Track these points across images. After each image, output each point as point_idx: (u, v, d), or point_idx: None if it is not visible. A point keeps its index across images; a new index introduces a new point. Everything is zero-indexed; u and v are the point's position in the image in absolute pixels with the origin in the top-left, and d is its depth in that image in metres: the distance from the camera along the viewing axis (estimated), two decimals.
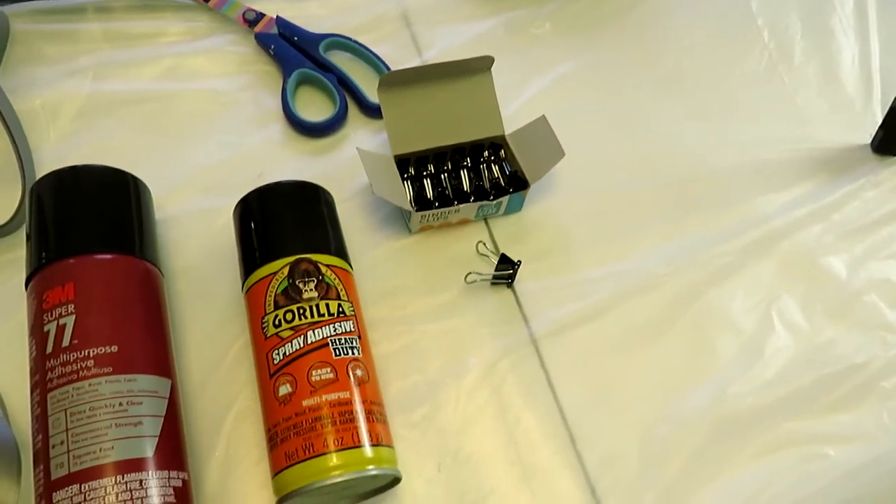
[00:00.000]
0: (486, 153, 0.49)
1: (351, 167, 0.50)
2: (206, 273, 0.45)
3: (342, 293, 0.39)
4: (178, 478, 0.35)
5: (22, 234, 0.46)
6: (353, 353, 0.38)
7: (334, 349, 0.37)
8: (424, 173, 0.48)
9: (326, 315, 0.38)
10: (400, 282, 0.46)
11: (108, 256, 0.38)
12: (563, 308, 0.46)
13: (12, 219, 0.44)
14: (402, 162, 0.48)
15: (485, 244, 0.47)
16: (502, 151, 0.50)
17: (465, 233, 0.49)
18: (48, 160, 0.48)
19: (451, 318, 0.45)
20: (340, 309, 0.39)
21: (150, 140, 0.50)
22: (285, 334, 0.37)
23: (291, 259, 0.39)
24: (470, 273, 0.46)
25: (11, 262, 0.45)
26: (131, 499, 0.32)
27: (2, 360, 0.41)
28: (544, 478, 0.41)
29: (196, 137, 0.51)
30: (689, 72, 0.58)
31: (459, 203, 0.47)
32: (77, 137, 0.50)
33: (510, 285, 0.46)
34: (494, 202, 0.47)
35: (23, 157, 0.46)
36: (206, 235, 0.47)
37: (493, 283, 0.46)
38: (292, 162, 0.51)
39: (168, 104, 0.52)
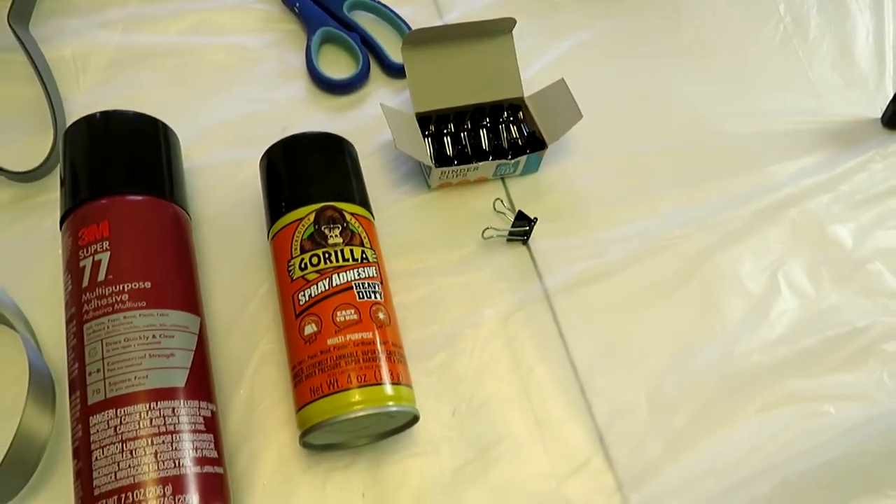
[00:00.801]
0: (504, 114, 0.51)
1: (372, 125, 0.51)
2: (231, 222, 0.47)
3: (365, 240, 0.41)
4: (207, 408, 0.36)
5: (53, 177, 0.47)
6: (375, 297, 0.39)
7: (358, 292, 0.38)
8: (445, 131, 0.49)
9: (351, 260, 0.39)
10: (418, 236, 0.48)
11: (140, 198, 0.40)
12: (576, 266, 0.47)
13: (44, 162, 0.46)
14: (423, 120, 0.49)
15: (502, 201, 0.48)
16: (520, 113, 0.51)
17: (483, 191, 0.50)
18: (77, 109, 0.49)
19: (467, 271, 0.47)
20: (364, 255, 0.40)
21: (176, 92, 0.52)
22: (311, 277, 0.39)
23: (317, 206, 0.40)
24: (487, 228, 0.47)
25: (42, 205, 0.46)
26: (164, 424, 0.34)
27: (35, 297, 0.42)
28: (555, 426, 0.42)
29: (221, 91, 0.52)
30: (706, 42, 0.59)
31: (478, 161, 0.48)
32: (106, 87, 0.51)
33: (525, 242, 0.48)
34: (512, 161, 0.48)
35: (54, 104, 0.47)
36: (230, 186, 0.48)
37: (508, 240, 0.48)
38: (315, 118, 0.52)
39: (194, 58, 0.53)
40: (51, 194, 0.46)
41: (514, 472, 0.41)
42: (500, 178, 0.50)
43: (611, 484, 0.41)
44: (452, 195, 0.49)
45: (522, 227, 0.47)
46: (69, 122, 0.46)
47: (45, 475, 0.38)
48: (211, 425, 0.36)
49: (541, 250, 0.48)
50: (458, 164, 0.47)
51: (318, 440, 0.39)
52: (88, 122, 0.42)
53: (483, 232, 0.47)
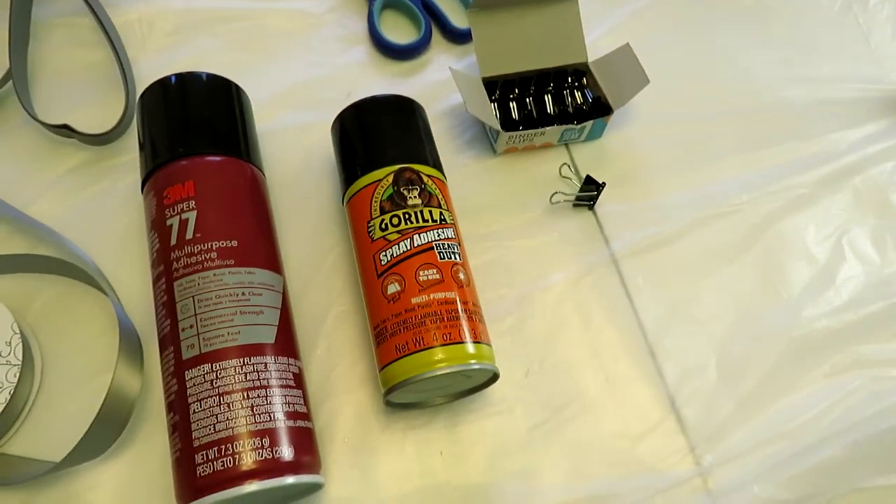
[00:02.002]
0: (569, 79, 0.50)
1: (434, 90, 0.51)
2: (300, 185, 0.47)
3: (442, 202, 0.41)
4: (295, 365, 0.37)
5: (125, 140, 0.47)
6: (454, 258, 0.39)
7: (439, 252, 0.39)
8: (511, 96, 0.49)
9: (430, 221, 0.40)
10: (485, 200, 0.48)
11: (221, 158, 0.40)
12: (642, 231, 0.48)
13: (117, 125, 0.46)
14: (489, 85, 0.49)
15: (569, 167, 0.49)
16: (584, 78, 0.51)
17: (547, 156, 0.50)
18: (145, 72, 0.49)
19: (535, 235, 0.47)
20: (442, 217, 0.40)
21: (239, 57, 0.52)
22: (392, 237, 0.39)
23: (395, 168, 0.41)
24: (556, 193, 0.47)
25: (116, 167, 0.46)
26: (258, 379, 0.35)
27: (111, 257, 0.43)
28: (626, 387, 0.43)
29: (284, 56, 0.52)
30: (766, 8, 0.58)
31: (544, 126, 0.48)
32: (171, 52, 0.51)
33: (591, 207, 0.48)
34: (578, 126, 0.48)
35: (125, 67, 0.48)
36: (298, 150, 0.48)
37: (574, 205, 0.48)
38: (377, 83, 0.52)
39: (257, 23, 0.53)
40: (123, 157, 0.47)
41: (587, 432, 0.41)
42: (564, 144, 0.50)
43: (683, 445, 0.41)
44: (517, 160, 0.50)
45: (590, 191, 0.47)
46: (139, 86, 0.47)
47: (131, 429, 0.39)
48: (299, 381, 0.37)
49: (606, 215, 0.48)
50: (524, 129, 0.47)
51: (400, 399, 0.39)
52: (163, 84, 0.42)
53: (551, 197, 0.47)
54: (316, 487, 0.35)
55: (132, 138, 0.48)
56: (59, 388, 0.40)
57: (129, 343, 0.39)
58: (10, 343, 0.38)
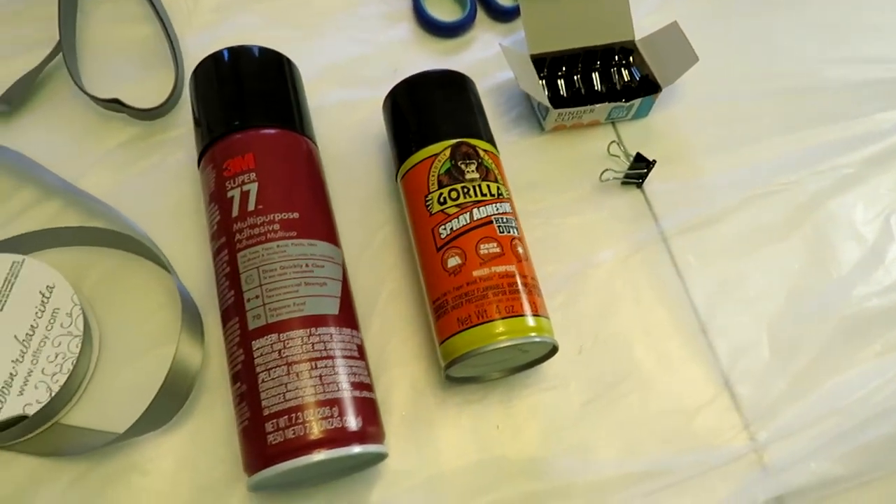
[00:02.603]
0: (616, 57, 0.50)
1: (479, 68, 0.51)
2: (349, 163, 0.47)
3: (498, 177, 0.41)
4: (358, 337, 0.37)
5: (174, 115, 0.47)
6: (513, 233, 0.39)
7: (498, 226, 0.39)
8: (559, 73, 0.49)
9: (489, 195, 0.40)
10: (533, 177, 0.48)
11: (278, 131, 0.40)
12: (691, 209, 0.48)
13: (168, 99, 0.46)
14: (537, 62, 0.49)
15: (618, 144, 0.48)
16: (632, 56, 0.51)
17: (594, 134, 0.50)
18: (191, 48, 0.49)
19: (583, 213, 0.47)
20: (499, 191, 0.40)
21: (284, 33, 0.52)
22: (451, 211, 0.39)
23: (452, 142, 0.40)
24: (606, 170, 0.47)
25: (165, 142, 0.46)
26: (325, 350, 0.35)
27: (165, 232, 0.43)
28: (678, 364, 0.43)
29: (328, 33, 0.52)
30: None
31: (593, 104, 0.48)
32: (216, 28, 0.51)
33: (640, 185, 0.48)
34: (627, 104, 0.48)
35: (174, 42, 0.47)
36: (345, 127, 0.48)
37: (623, 183, 0.48)
38: (423, 60, 0.52)
39: (300, 0, 0.53)
40: (172, 132, 0.47)
41: (640, 408, 0.41)
42: (611, 123, 0.50)
43: (737, 421, 0.41)
44: (564, 138, 0.49)
45: (640, 169, 0.47)
46: (187, 61, 0.46)
47: (190, 401, 0.39)
48: (362, 353, 0.37)
49: (654, 193, 0.48)
50: (574, 107, 0.47)
51: (459, 373, 0.39)
52: (216, 59, 0.42)
53: (601, 174, 0.47)
54: (380, 458, 0.35)
55: (180, 114, 0.48)
56: (116, 360, 0.40)
57: (191, 316, 0.39)
58: (70, 314, 0.38)
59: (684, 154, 0.50)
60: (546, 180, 0.48)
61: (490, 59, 0.52)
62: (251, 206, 0.37)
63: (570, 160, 0.49)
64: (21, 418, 0.36)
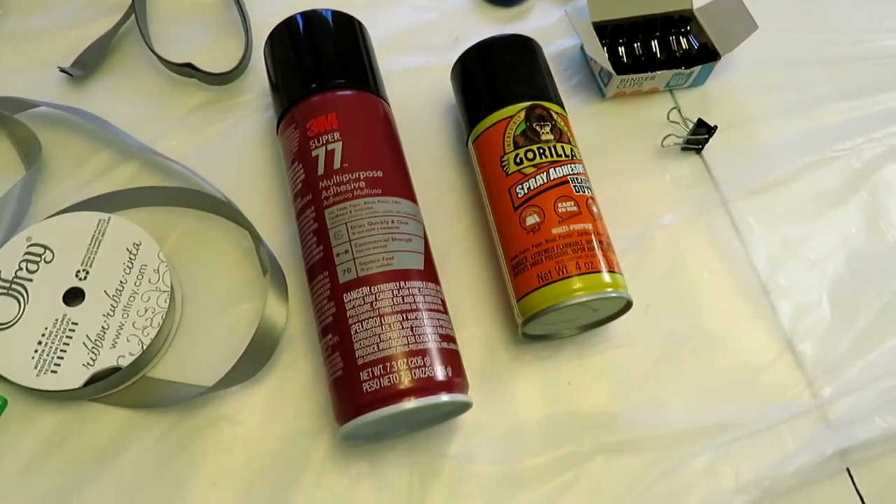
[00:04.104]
0: (675, 25, 0.51)
1: (538, 36, 0.50)
2: (415, 129, 0.48)
3: (571, 139, 0.42)
4: (441, 293, 0.38)
5: (243, 80, 0.48)
6: (588, 192, 0.40)
7: (574, 186, 0.40)
8: (620, 41, 0.50)
9: (563, 156, 0.40)
10: (595, 143, 0.48)
11: (356, 92, 0.41)
12: (749, 175, 0.48)
13: (239, 64, 0.47)
14: (599, 30, 0.50)
15: (678, 111, 0.49)
16: (689, 25, 0.51)
17: (652, 101, 0.51)
18: (258, 15, 0.50)
19: (645, 178, 0.48)
20: (572, 152, 0.41)
21: (345, 2, 0.52)
22: (528, 171, 0.40)
23: (526, 104, 0.41)
24: (669, 136, 0.48)
25: (236, 106, 0.47)
26: (414, 302, 0.36)
27: (241, 193, 0.43)
28: (742, 324, 0.44)
29: (392, 1, 0.53)
30: None
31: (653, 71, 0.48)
32: None
33: (699, 151, 0.49)
34: (687, 71, 0.49)
35: (243, 8, 0.48)
36: (410, 93, 0.49)
37: (683, 148, 0.49)
38: (482, 28, 0.52)
39: None
40: (242, 97, 0.48)
41: (707, 366, 0.42)
42: (669, 90, 0.51)
43: (801, 379, 0.42)
44: (624, 105, 0.50)
45: (701, 134, 0.47)
46: (254, 28, 0.47)
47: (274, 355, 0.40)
48: (445, 308, 0.38)
49: (714, 159, 0.49)
50: (636, 73, 0.48)
51: (535, 330, 0.40)
52: (290, 24, 0.43)
53: (663, 139, 0.48)
54: (465, 407, 0.36)
55: (249, 79, 0.48)
56: (197, 316, 0.41)
57: (277, 274, 0.40)
58: (157, 270, 0.39)
59: (740, 121, 0.51)
60: (607, 146, 0.49)
61: (548, 28, 0.53)
62: (336, 165, 0.38)
63: (630, 127, 0.49)
64: (114, 370, 0.37)
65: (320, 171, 0.38)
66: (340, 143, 0.38)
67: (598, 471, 0.39)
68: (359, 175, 0.38)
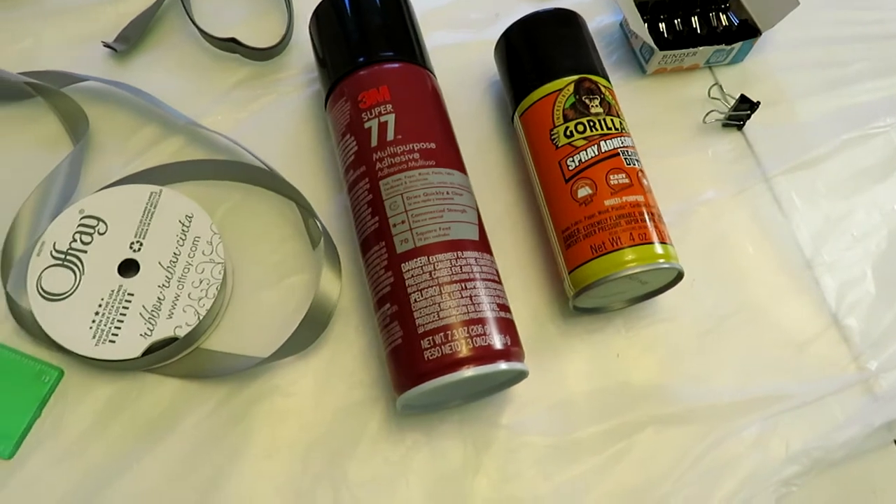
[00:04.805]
0: (714, 2, 0.51)
1: (577, 12, 0.51)
2: (457, 103, 0.47)
3: (619, 112, 0.42)
4: (494, 263, 0.38)
5: (285, 56, 0.48)
6: (637, 165, 0.40)
7: (625, 159, 0.40)
8: (661, 17, 0.50)
9: (613, 129, 0.40)
10: (636, 119, 0.48)
11: (406, 65, 0.41)
12: (790, 151, 0.49)
13: (282, 40, 0.47)
14: (640, 6, 0.50)
15: (720, 87, 0.49)
16: (729, 2, 0.51)
17: (693, 78, 0.51)
18: None
19: (687, 154, 0.48)
20: (621, 125, 0.41)
21: None
22: (579, 143, 0.40)
23: (575, 77, 0.41)
24: (711, 111, 0.48)
25: (279, 81, 0.47)
26: (471, 272, 0.36)
27: (287, 167, 0.43)
28: (786, 298, 0.44)
29: None
30: None
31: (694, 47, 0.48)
32: None
33: (741, 127, 0.49)
34: (728, 48, 0.49)
35: None
36: (452, 69, 0.48)
37: (724, 125, 0.49)
38: (521, 4, 0.52)
39: None
40: (284, 72, 0.48)
41: (753, 341, 0.43)
42: (709, 67, 0.51)
43: (846, 352, 0.43)
44: (664, 82, 0.50)
45: (744, 110, 0.47)
46: (295, 4, 0.47)
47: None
48: (499, 278, 0.38)
49: (755, 135, 0.49)
50: (678, 49, 0.48)
51: (586, 302, 0.40)
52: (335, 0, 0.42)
53: (705, 115, 0.48)
54: (521, 376, 0.37)
55: (291, 55, 0.48)
56: (248, 288, 0.41)
57: (329, 247, 0.40)
58: (211, 242, 0.39)
59: (780, 98, 0.51)
60: (648, 122, 0.48)
61: (587, 4, 0.53)
62: (390, 136, 0.38)
63: (670, 103, 0.50)
64: (172, 340, 0.37)
65: (374, 142, 0.38)
66: (393, 114, 0.38)
67: (649, 442, 0.39)
68: (412, 147, 0.38)
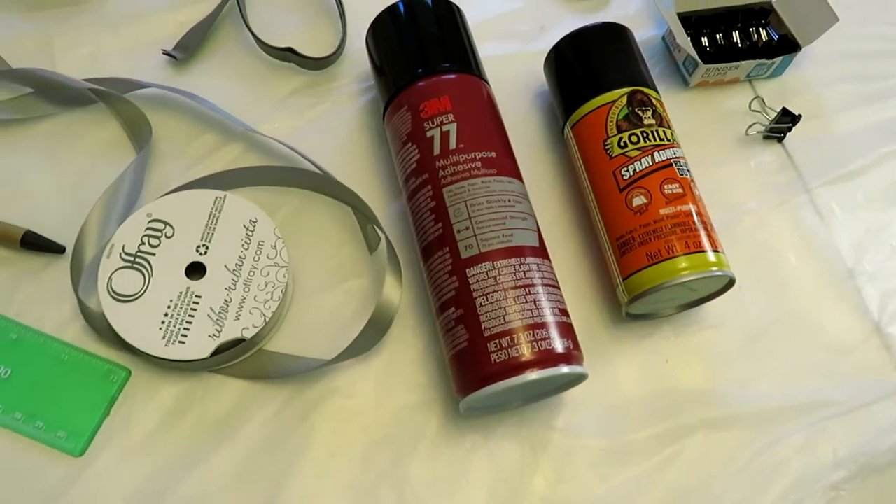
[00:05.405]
0: (755, 17, 0.52)
1: None
2: (505, 114, 0.48)
3: (670, 123, 0.43)
4: (553, 270, 0.39)
5: (337, 67, 0.49)
6: (689, 175, 0.41)
7: (678, 169, 0.41)
8: (704, 31, 0.51)
9: (665, 140, 0.42)
10: (678, 130, 0.49)
11: (463, 76, 0.42)
12: (829, 163, 0.50)
13: (337, 50, 0.48)
14: (683, 21, 0.51)
15: (762, 100, 0.50)
16: (769, 17, 0.53)
17: (732, 91, 0.52)
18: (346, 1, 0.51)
19: (729, 164, 0.49)
20: (673, 136, 0.42)
21: None
22: (633, 154, 0.41)
23: (628, 89, 0.42)
24: (754, 124, 0.49)
25: (333, 91, 0.48)
26: (533, 278, 0.37)
27: (344, 175, 0.44)
28: (829, 307, 0.45)
29: None
30: None
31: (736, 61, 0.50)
32: None
33: (781, 140, 0.50)
34: (769, 61, 0.50)
35: None
36: (499, 80, 0.49)
37: (765, 137, 0.50)
38: (565, 18, 0.54)
39: None
40: (335, 82, 0.49)
41: (797, 347, 0.44)
42: (749, 80, 0.52)
43: (889, 360, 0.44)
44: (705, 94, 0.51)
45: (786, 123, 0.49)
46: (348, 15, 0.48)
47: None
48: (558, 284, 0.39)
49: (794, 148, 0.50)
50: (721, 63, 0.49)
51: (639, 309, 0.41)
52: (392, 11, 0.44)
53: (748, 128, 0.49)
54: (581, 379, 0.38)
55: (343, 65, 0.49)
56: (307, 292, 0.42)
57: (391, 252, 0.41)
58: (275, 247, 0.40)
59: (818, 111, 0.52)
60: (691, 133, 0.50)
61: (628, 18, 0.54)
62: (452, 145, 0.39)
63: (711, 115, 0.51)
64: (239, 341, 0.38)
65: (436, 150, 0.39)
66: (455, 124, 0.40)
67: (699, 445, 0.40)
68: (474, 155, 0.39)
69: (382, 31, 0.44)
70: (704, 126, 0.50)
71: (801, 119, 0.49)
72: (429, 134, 0.40)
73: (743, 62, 0.50)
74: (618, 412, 0.41)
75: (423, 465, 0.38)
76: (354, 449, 0.39)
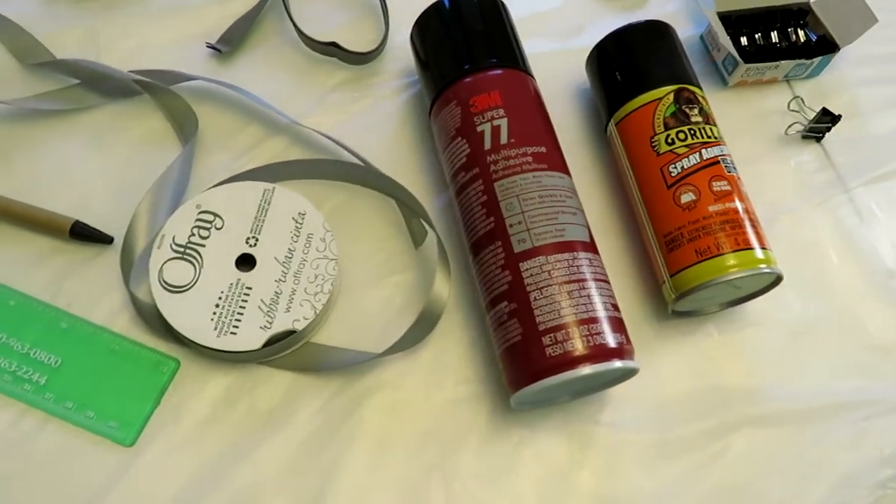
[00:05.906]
0: (793, 18, 0.52)
1: None
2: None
3: (715, 121, 0.43)
4: (603, 265, 0.39)
5: (379, 62, 0.49)
6: (736, 173, 0.42)
7: (725, 166, 0.41)
8: (744, 30, 0.51)
9: (713, 137, 0.42)
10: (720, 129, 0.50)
11: (512, 71, 0.42)
12: (868, 163, 0.50)
13: (380, 45, 0.48)
14: (723, 20, 0.51)
15: (801, 100, 0.51)
16: (807, 17, 0.53)
17: (771, 90, 0.52)
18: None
19: (769, 164, 0.49)
20: (719, 134, 0.42)
21: None
22: (680, 151, 0.41)
23: (674, 87, 0.43)
24: (794, 123, 0.49)
25: (375, 85, 0.49)
26: (585, 272, 0.37)
27: (391, 171, 0.45)
28: (870, 305, 0.45)
29: None
30: None
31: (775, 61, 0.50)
32: None
33: (820, 140, 0.50)
34: (808, 62, 0.50)
35: None
36: (541, 78, 0.50)
37: (804, 136, 0.50)
38: (604, 17, 0.54)
39: None
40: (377, 77, 0.49)
41: (839, 346, 0.44)
42: (786, 80, 0.52)
43: None
44: (744, 94, 0.52)
45: (825, 123, 0.49)
46: (391, 10, 0.48)
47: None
48: (608, 278, 0.39)
49: (832, 148, 0.50)
50: (761, 63, 0.49)
51: (686, 305, 0.42)
52: (438, 7, 0.44)
53: (788, 127, 0.49)
54: (632, 373, 0.38)
55: (385, 60, 0.50)
56: (354, 286, 0.42)
57: (441, 248, 0.41)
58: (324, 239, 0.40)
59: (855, 111, 0.52)
60: (730, 132, 0.49)
61: (667, 17, 0.54)
62: (504, 140, 0.39)
63: (750, 114, 0.51)
64: (290, 333, 0.38)
65: (487, 145, 0.39)
66: (506, 118, 0.40)
67: (744, 442, 0.41)
68: (525, 150, 0.39)
69: (429, 27, 0.44)
70: (743, 125, 0.50)
71: (843, 118, 0.49)
72: (479, 128, 0.40)
73: (782, 62, 0.50)
74: (663, 408, 0.41)
75: (474, 458, 0.39)
76: (403, 441, 0.39)
